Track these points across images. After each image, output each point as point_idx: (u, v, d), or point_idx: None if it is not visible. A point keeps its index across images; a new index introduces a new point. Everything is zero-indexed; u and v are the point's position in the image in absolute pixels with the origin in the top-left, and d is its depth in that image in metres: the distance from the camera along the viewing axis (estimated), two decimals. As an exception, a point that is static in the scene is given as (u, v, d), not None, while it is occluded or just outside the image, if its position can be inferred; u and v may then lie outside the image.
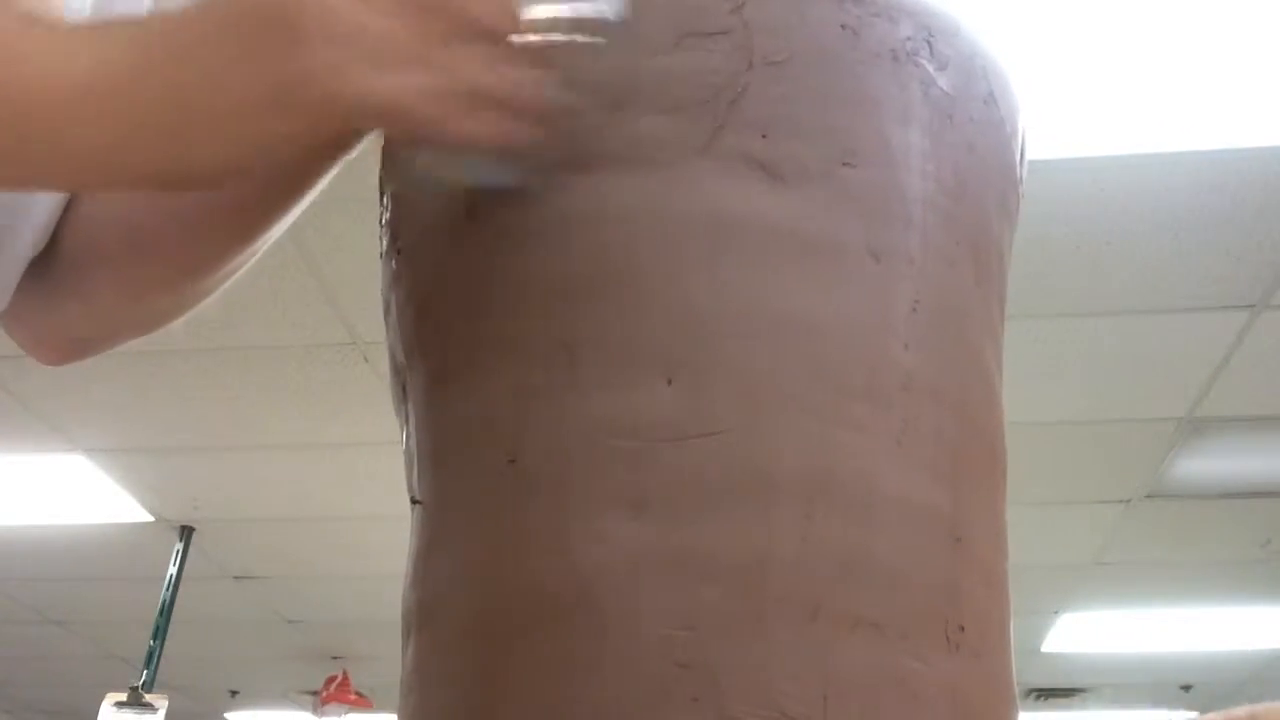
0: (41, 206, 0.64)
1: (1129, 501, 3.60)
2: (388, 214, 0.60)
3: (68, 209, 0.66)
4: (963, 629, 0.48)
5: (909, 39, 0.54)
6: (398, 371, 0.58)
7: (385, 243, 0.60)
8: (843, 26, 0.53)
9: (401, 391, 0.58)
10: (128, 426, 3.31)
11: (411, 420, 0.56)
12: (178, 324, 0.72)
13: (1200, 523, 3.74)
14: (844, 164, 0.51)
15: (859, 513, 0.47)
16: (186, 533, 3.98)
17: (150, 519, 3.88)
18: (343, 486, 3.64)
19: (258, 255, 0.70)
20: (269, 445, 3.41)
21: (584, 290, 0.49)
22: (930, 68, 0.55)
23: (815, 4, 0.53)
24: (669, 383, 0.47)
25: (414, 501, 0.55)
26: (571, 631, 0.45)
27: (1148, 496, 3.55)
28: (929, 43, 0.55)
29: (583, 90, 0.51)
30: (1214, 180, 2.30)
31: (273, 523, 3.94)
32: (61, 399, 3.14)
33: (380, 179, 0.62)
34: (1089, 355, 2.85)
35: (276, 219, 0.67)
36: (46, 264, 0.67)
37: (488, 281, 0.52)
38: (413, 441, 0.56)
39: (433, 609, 0.51)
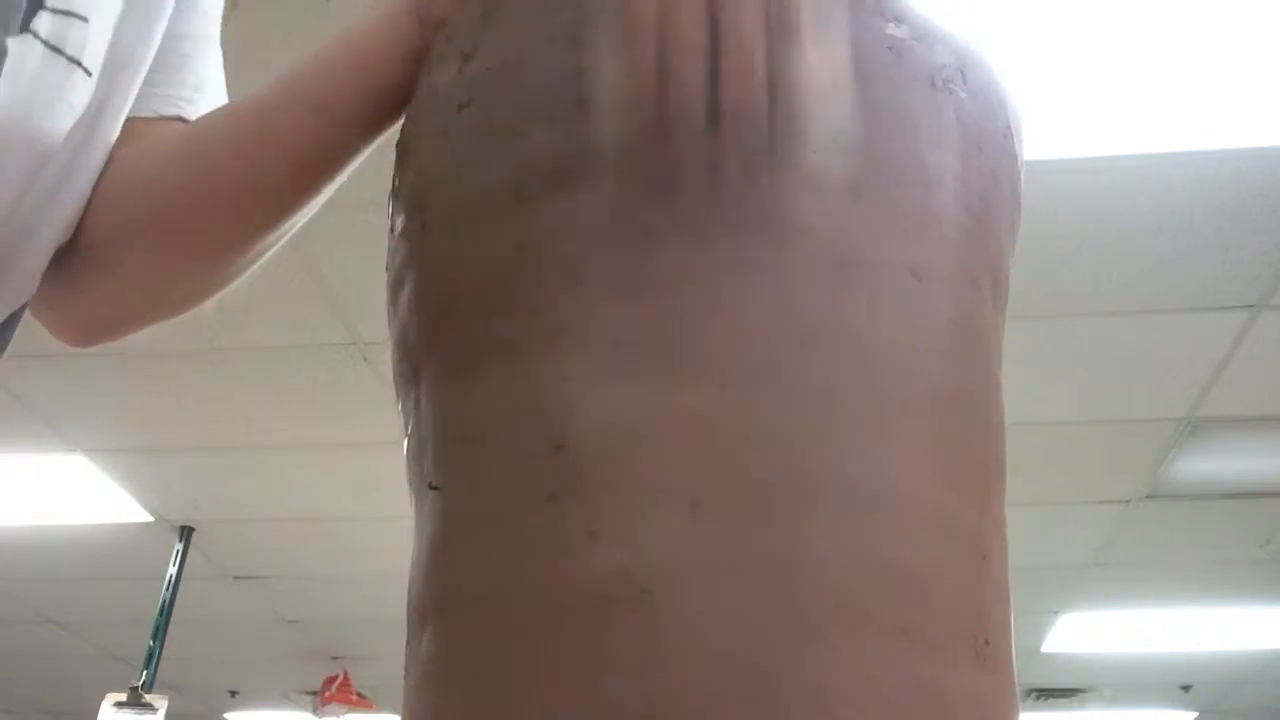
0: (72, 192, 0.65)
1: (1129, 501, 3.60)
2: (409, 186, 0.59)
3: (96, 187, 0.67)
4: (988, 644, 0.49)
5: (945, 66, 0.56)
6: (409, 353, 0.57)
7: (403, 217, 0.59)
8: (889, 48, 0.54)
9: (412, 373, 0.57)
10: (128, 426, 3.31)
11: (425, 403, 0.55)
12: (208, 304, 0.73)
13: (1200, 523, 3.74)
14: (888, 183, 0.52)
15: (902, 526, 0.47)
16: (186, 533, 3.98)
17: (150, 519, 3.89)
18: (343, 486, 3.64)
19: (285, 239, 0.70)
20: (269, 445, 3.42)
21: (641, 288, 0.49)
22: (963, 95, 0.56)
23: (865, 22, 0.54)
24: (723, 386, 0.47)
25: (431, 487, 0.53)
26: (625, 628, 0.44)
27: (1148, 496, 3.55)
28: (962, 72, 0.56)
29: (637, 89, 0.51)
30: (1214, 180, 2.30)
31: (273, 523, 3.94)
32: (61, 399, 3.14)
33: (400, 147, 0.60)
34: (1089, 355, 2.85)
35: (306, 201, 0.67)
36: (73, 245, 0.67)
37: (536, 268, 0.51)
38: (427, 425, 0.54)
39: (458, 597, 0.49)
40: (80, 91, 0.63)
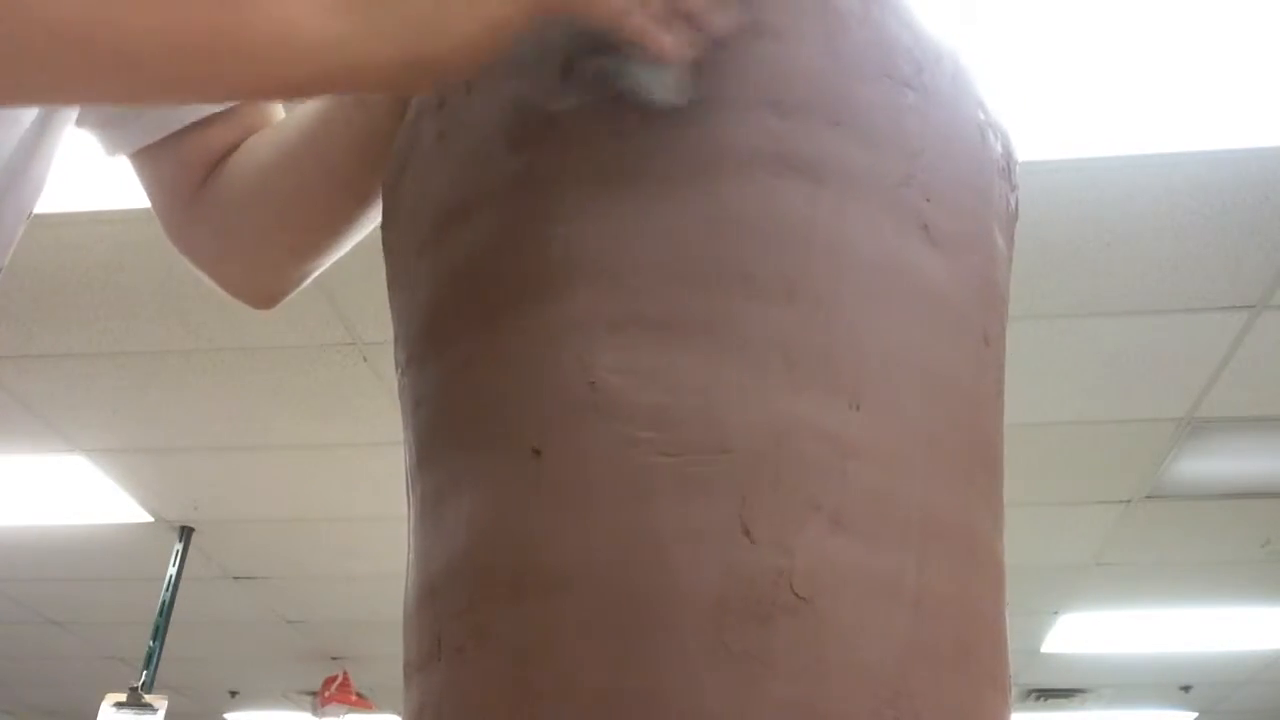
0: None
1: (1129, 501, 3.60)
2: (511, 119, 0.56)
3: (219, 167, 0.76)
4: (1009, 675, 0.53)
5: (1004, 156, 0.59)
6: (468, 292, 0.53)
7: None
8: (979, 129, 0.57)
9: (466, 319, 0.53)
10: (128, 426, 3.31)
11: (517, 354, 0.51)
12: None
13: (1200, 523, 3.74)
14: (972, 248, 0.55)
15: (983, 574, 0.51)
16: (186, 533, 3.98)
17: (150, 519, 3.88)
18: (343, 486, 3.64)
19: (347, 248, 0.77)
20: (269, 445, 3.42)
21: (770, 291, 0.49)
22: (1010, 186, 0.60)
23: (965, 102, 0.57)
24: (856, 408, 0.48)
25: (534, 451, 0.49)
26: (790, 634, 0.45)
27: (1148, 496, 3.55)
28: (1011, 165, 0.60)
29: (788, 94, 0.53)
30: (1214, 180, 2.30)
31: (273, 523, 3.94)
32: (61, 399, 3.14)
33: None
34: (1089, 355, 2.85)
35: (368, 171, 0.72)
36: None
37: (668, 261, 0.50)
38: (516, 378, 0.50)
39: (574, 575, 0.47)
40: None
